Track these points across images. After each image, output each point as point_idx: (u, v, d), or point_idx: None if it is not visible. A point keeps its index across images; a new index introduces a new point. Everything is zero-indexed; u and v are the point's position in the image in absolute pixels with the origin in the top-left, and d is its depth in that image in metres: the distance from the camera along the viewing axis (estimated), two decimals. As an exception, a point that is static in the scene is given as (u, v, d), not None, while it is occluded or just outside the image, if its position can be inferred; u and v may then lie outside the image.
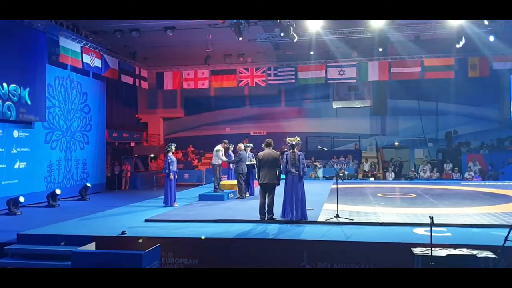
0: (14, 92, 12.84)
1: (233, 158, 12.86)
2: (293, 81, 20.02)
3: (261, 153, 8.93)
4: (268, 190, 8.68)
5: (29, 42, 13.55)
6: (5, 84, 12.51)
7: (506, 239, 6.22)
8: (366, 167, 20.65)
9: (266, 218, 8.68)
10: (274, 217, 8.69)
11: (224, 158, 12.57)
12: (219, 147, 12.48)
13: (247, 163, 12.25)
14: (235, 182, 12.66)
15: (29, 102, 13.41)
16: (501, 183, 16.56)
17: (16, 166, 13.40)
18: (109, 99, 19.45)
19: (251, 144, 13.45)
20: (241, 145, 12.74)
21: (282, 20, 14.45)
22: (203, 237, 7.21)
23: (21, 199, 12.27)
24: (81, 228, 8.35)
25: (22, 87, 13.12)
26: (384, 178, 19.96)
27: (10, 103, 12.71)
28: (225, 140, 12.92)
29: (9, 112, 12.68)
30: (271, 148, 8.95)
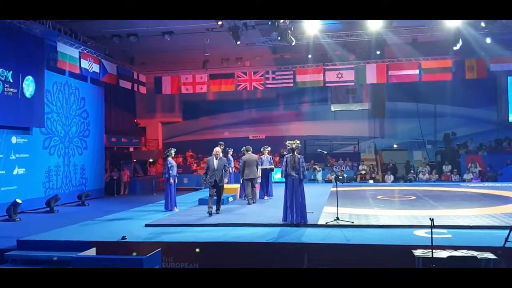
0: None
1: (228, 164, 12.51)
2: (291, 84, 20.02)
3: (244, 157, 12.04)
4: (252, 182, 11.82)
5: (27, 47, 13.53)
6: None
7: (506, 240, 6.25)
8: (362, 169, 20.64)
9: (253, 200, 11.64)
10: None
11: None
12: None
13: (266, 166, 12.35)
14: (235, 186, 12.62)
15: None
16: (500, 184, 16.60)
17: (14, 172, 13.37)
18: (107, 104, 19.44)
19: (250, 147, 13.33)
20: (217, 149, 10.71)
21: (280, 24, 14.47)
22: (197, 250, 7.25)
23: (18, 200, 12.07)
24: (81, 234, 8.34)
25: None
26: (383, 181, 19.97)
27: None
28: (221, 142, 12.88)
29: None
30: (250, 152, 12.12)
